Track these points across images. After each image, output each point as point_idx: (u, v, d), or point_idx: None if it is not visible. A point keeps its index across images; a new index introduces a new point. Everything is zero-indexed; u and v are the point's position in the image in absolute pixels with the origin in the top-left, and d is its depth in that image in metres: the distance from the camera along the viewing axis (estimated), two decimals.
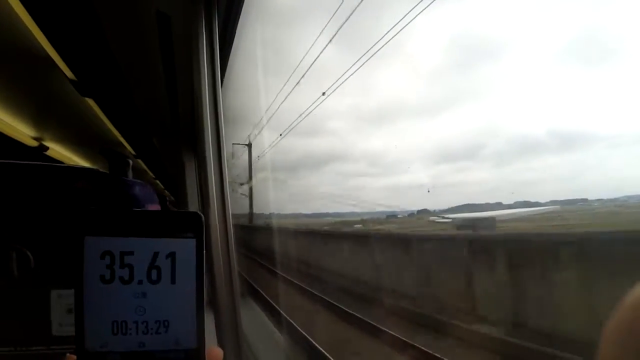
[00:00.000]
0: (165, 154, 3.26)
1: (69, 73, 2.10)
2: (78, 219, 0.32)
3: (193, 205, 2.10)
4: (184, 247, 0.33)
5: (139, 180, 0.94)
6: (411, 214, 9.69)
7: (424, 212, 9.34)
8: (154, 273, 0.32)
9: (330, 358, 3.61)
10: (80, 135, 3.55)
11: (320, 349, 3.73)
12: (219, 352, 0.35)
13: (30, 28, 1.73)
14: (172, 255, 0.33)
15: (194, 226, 0.34)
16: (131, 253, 0.32)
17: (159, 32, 1.22)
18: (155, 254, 0.32)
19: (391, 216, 10.18)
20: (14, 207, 0.79)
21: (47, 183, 0.83)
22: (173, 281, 0.33)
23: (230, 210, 1.14)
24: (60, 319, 0.79)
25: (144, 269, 0.32)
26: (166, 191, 7.56)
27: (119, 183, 0.89)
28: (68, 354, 0.32)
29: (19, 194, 0.81)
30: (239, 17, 1.26)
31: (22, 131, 3.17)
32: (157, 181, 6.56)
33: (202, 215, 0.34)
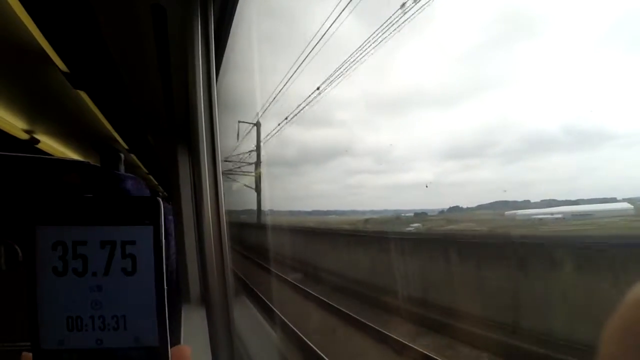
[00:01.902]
0: (159, 149, 3.22)
1: (61, 65, 2.07)
2: (29, 208, 0.30)
3: (186, 201, 2.09)
4: (141, 235, 0.31)
5: (130, 175, 0.92)
6: (441, 212, 9.17)
7: (456, 209, 8.85)
8: (108, 264, 0.30)
9: None
10: (72, 128, 3.50)
11: None
12: (187, 350, 0.33)
13: (23, 19, 1.70)
14: (127, 245, 0.31)
15: (151, 213, 0.31)
16: (84, 243, 0.30)
17: (154, 24, 1.21)
18: (110, 243, 0.30)
19: (420, 214, 9.66)
20: (2, 200, 0.78)
21: (36, 175, 0.81)
22: (130, 273, 0.30)
23: (223, 207, 1.13)
24: None
25: (98, 260, 0.30)
26: (160, 187, 7.50)
27: (110, 177, 0.88)
28: (24, 353, 0.30)
29: (7, 186, 0.79)
30: (235, 8, 1.25)
31: (13, 123, 3.12)
32: (150, 176, 6.51)
33: (159, 200, 0.32)
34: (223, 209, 1.13)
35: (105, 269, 0.30)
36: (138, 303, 0.30)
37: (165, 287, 0.31)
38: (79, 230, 0.30)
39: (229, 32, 1.34)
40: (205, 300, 1.09)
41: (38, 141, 3.66)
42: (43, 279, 0.30)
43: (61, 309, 0.30)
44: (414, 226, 8.73)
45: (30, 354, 0.30)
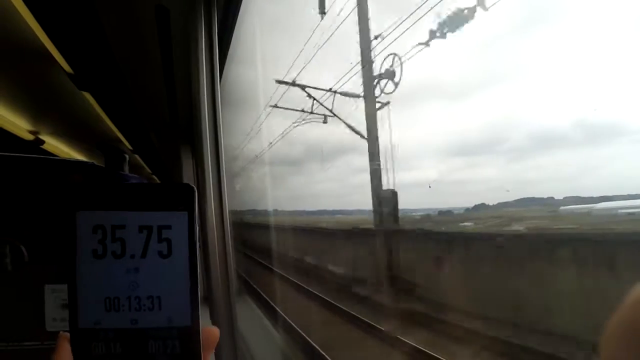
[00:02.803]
0: (163, 149, 3.24)
1: (66, 66, 2.08)
2: (69, 194, 0.32)
3: None
4: (176, 220, 0.32)
5: (135, 175, 0.93)
6: (467, 210, 8.78)
7: (482, 207, 8.23)
8: (145, 247, 0.32)
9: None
10: (77, 129, 3.53)
11: None
12: (215, 331, 0.34)
13: (28, 21, 1.71)
14: (163, 229, 0.32)
15: (186, 199, 0.33)
16: (122, 227, 0.31)
17: (157, 26, 1.21)
18: (147, 228, 0.32)
19: (445, 213, 9.20)
20: (8, 201, 0.78)
21: (42, 176, 0.82)
22: (165, 256, 0.32)
23: (227, 207, 1.13)
24: (54, 314, 0.78)
25: (135, 243, 0.31)
26: None
27: (115, 177, 0.88)
28: (61, 332, 0.31)
29: (13, 186, 0.80)
30: (239, 7, 1.25)
31: (18, 124, 3.15)
32: (154, 177, 6.54)
33: (194, 187, 0.33)
34: (227, 209, 1.14)
35: (142, 252, 0.32)
36: (172, 285, 0.32)
37: (199, 270, 0.33)
38: (118, 215, 0.32)
39: (232, 31, 1.34)
40: (208, 299, 1.09)
41: (43, 142, 3.68)
42: (83, 261, 0.31)
43: (100, 290, 0.31)
44: (466, 225, 7.60)
45: (68, 334, 0.31)
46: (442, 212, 8.75)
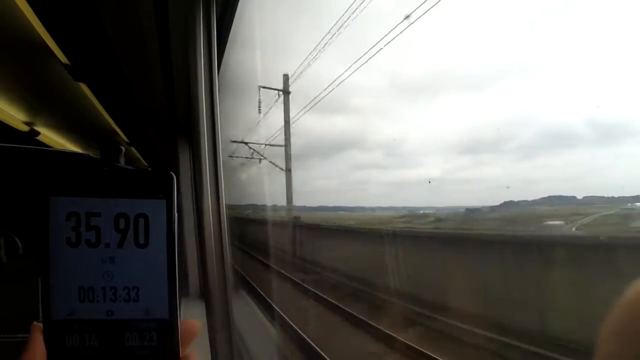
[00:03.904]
0: (160, 143, 3.21)
1: (62, 57, 2.06)
2: (42, 179, 0.30)
3: (186, 196, 2.08)
4: (154, 208, 0.31)
5: (130, 167, 0.92)
6: (493, 208, 8.10)
7: (510, 204, 7.40)
8: (121, 236, 0.30)
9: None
10: (72, 121, 3.50)
11: None
12: (195, 324, 0.33)
13: (24, 11, 1.69)
14: (140, 217, 0.31)
15: (165, 186, 0.32)
16: (97, 214, 0.30)
17: (155, 16, 1.19)
18: (123, 216, 0.30)
19: (472, 211, 8.47)
20: (2, 192, 0.78)
21: (37, 167, 0.81)
22: (142, 246, 0.31)
23: (224, 201, 1.13)
24: None
25: (111, 232, 0.30)
26: None
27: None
28: (35, 322, 0.30)
29: (6, 177, 0.79)
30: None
31: (13, 115, 3.12)
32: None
33: (173, 175, 0.32)
34: (223, 204, 1.13)
35: (118, 241, 0.30)
36: (150, 275, 0.31)
37: (177, 260, 0.31)
38: (93, 201, 0.30)
39: (231, 23, 1.32)
40: (204, 294, 1.09)
41: (38, 133, 3.65)
42: (56, 249, 0.30)
43: (73, 280, 0.30)
44: (554, 225, 6.20)
45: (41, 324, 0.30)
46: (470, 210, 8.45)
